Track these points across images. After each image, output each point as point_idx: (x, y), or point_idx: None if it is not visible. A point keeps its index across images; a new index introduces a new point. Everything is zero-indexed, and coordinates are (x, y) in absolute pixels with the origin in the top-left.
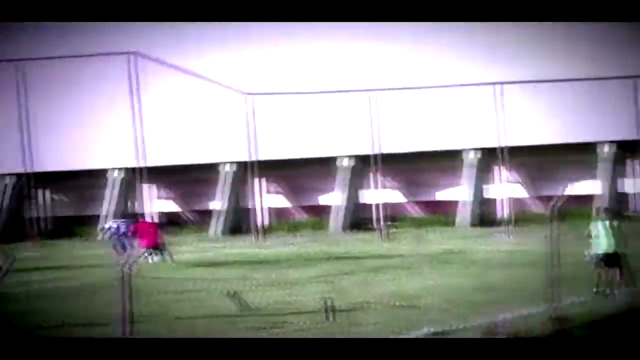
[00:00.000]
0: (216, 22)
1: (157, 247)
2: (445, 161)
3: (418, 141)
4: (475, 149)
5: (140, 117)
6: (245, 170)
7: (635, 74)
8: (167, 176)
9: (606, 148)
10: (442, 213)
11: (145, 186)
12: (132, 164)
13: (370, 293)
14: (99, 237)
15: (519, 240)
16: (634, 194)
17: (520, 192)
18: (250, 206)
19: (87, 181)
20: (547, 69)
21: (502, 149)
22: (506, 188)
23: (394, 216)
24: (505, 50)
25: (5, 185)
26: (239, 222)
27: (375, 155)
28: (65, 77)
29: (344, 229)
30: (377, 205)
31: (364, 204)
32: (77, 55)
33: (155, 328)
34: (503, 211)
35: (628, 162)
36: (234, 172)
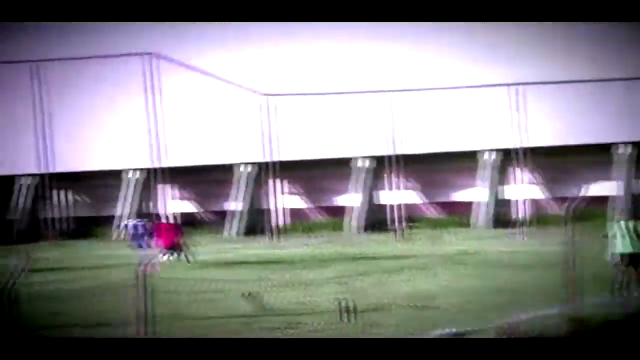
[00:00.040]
0: (234, 22)
1: (174, 248)
2: (461, 162)
3: (434, 142)
4: (492, 150)
5: (155, 118)
6: (262, 171)
7: None
8: (182, 177)
9: (622, 149)
10: (458, 214)
11: (160, 187)
12: (148, 164)
13: (385, 294)
14: (114, 237)
15: (534, 241)
16: None
17: (536, 193)
18: (265, 207)
19: (103, 182)
20: (558, 69)
21: (518, 150)
22: (522, 189)
23: (410, 217)
24: (529, 49)
25: (21, 186)
26: (254, 223)
27: (392, 156)
28: (81, 77)
29: (360, 230)
30: (393, 206)
31: (381, 205)
32: (94, 56)
33: (171, 328)
34: (519, 212)
35: None
36: (250, 173)
